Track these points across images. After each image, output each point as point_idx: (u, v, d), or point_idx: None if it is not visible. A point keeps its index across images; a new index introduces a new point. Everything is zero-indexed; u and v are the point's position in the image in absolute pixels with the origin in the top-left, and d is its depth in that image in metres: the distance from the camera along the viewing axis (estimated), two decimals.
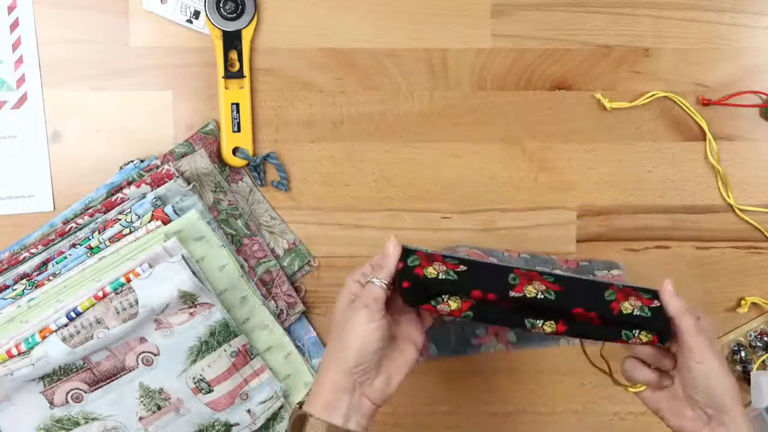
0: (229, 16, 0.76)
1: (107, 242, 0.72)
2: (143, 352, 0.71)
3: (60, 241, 0.73)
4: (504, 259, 0.75)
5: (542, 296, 0.63)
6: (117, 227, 0.72)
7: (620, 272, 0.80)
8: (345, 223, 0.79)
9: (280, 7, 0.78)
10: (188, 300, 0.70)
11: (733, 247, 0.81)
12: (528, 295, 0.63)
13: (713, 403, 0.60)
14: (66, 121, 0.77)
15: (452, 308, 0.64)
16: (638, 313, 0.62)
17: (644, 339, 0.62)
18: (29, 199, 0.76)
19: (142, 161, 0.76)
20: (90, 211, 0.74)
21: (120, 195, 0.74)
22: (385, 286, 0.61)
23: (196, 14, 0.77)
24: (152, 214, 0.72)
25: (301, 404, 0.61)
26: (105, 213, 0.74)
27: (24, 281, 0.72)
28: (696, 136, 0.81)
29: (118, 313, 0.68)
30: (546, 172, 0.80)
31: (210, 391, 0.73)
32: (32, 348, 0.67)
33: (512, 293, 0.63)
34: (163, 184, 0.73)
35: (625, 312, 0.62)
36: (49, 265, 0.72)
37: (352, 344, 0.59)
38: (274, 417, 0.77)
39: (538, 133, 0.80)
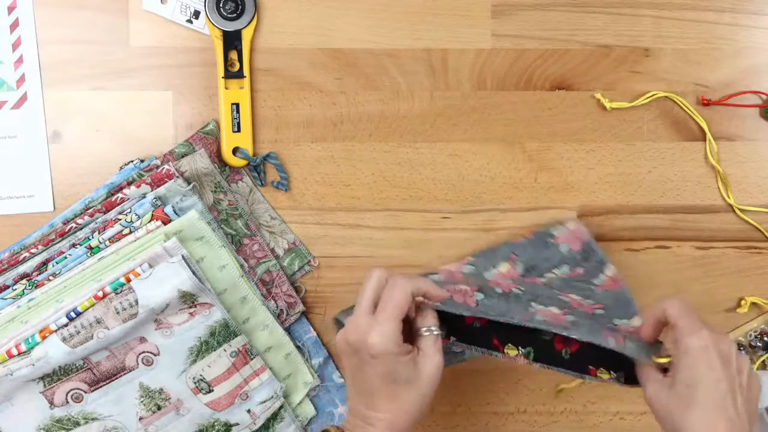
0: (229, 16, 0.76)
1: (107, 242, 0.72)
2: (143, 352, 0.71)
3: (60, 241, 0.73)
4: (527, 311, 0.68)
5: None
6: (117, 227, 0.72)
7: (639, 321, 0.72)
8: (345, 223, 0.79)
9: (280, 7, 0.78)
10: (188, 300, 0.70)
11: (733, 247, 0.81)
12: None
13: None
14: (66, 121, 0.77)
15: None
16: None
17: (604, 376, 0.65)
18: (29, 199, 0.76)
19: (142, 161, 0.76)
20: (90, 211, 0.74)
21: (120, 195, 0.74)
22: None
23: (196, 14, 0.77)
24: (152, 214, 0.72)
25: None
26: (105, 213, 0.74)
27: (24, 281, 0.72)
28: (696, 136, 0.81)
29: (118, 313, 0.68)
30: (546, 172, 0.80)
31: (210, 391, 0.73)
32: (32, 348, 0.67)
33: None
34: (163, 184, 0.73)
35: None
36: (49, 265, 0.72)
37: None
38: (274, 417, 0.77)
39: (538, 133, 0.80)
